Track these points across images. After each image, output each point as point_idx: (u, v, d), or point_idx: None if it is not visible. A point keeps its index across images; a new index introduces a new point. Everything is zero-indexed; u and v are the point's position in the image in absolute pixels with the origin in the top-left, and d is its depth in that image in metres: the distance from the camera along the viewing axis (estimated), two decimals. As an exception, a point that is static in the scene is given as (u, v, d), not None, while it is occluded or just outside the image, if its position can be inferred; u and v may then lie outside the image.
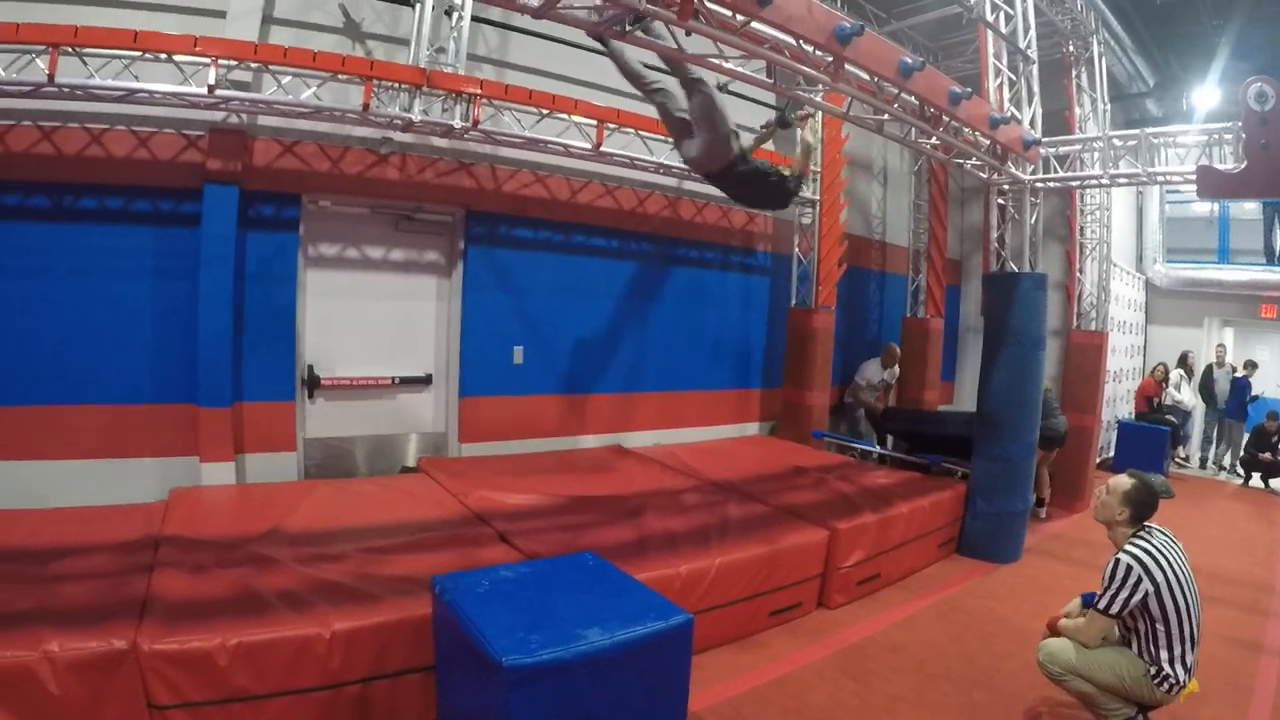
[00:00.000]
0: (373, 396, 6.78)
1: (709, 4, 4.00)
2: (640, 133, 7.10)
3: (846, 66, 4.69)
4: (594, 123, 6.72)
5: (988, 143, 6.34)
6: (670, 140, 6.29)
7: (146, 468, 5.67)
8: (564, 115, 6.65)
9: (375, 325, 6.78)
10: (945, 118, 5.58)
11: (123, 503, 4.96)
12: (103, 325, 5.60)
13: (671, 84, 4.48)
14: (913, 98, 5.30)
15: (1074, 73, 8.82)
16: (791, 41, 4.37)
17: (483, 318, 7.08)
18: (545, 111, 6.57)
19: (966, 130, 6.02)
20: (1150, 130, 6.89)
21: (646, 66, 4.55)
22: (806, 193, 8.52)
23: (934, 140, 5.98)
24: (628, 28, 4.16)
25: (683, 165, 7.03)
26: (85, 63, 5.15)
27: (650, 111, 5.75)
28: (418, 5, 6.24)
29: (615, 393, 7.97)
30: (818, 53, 4.57)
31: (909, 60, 4.85)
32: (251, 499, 5.28)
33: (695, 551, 4.61)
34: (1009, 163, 6.67)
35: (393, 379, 6.81)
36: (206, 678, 3.08)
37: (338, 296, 6.57)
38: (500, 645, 2.73)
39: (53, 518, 4.50)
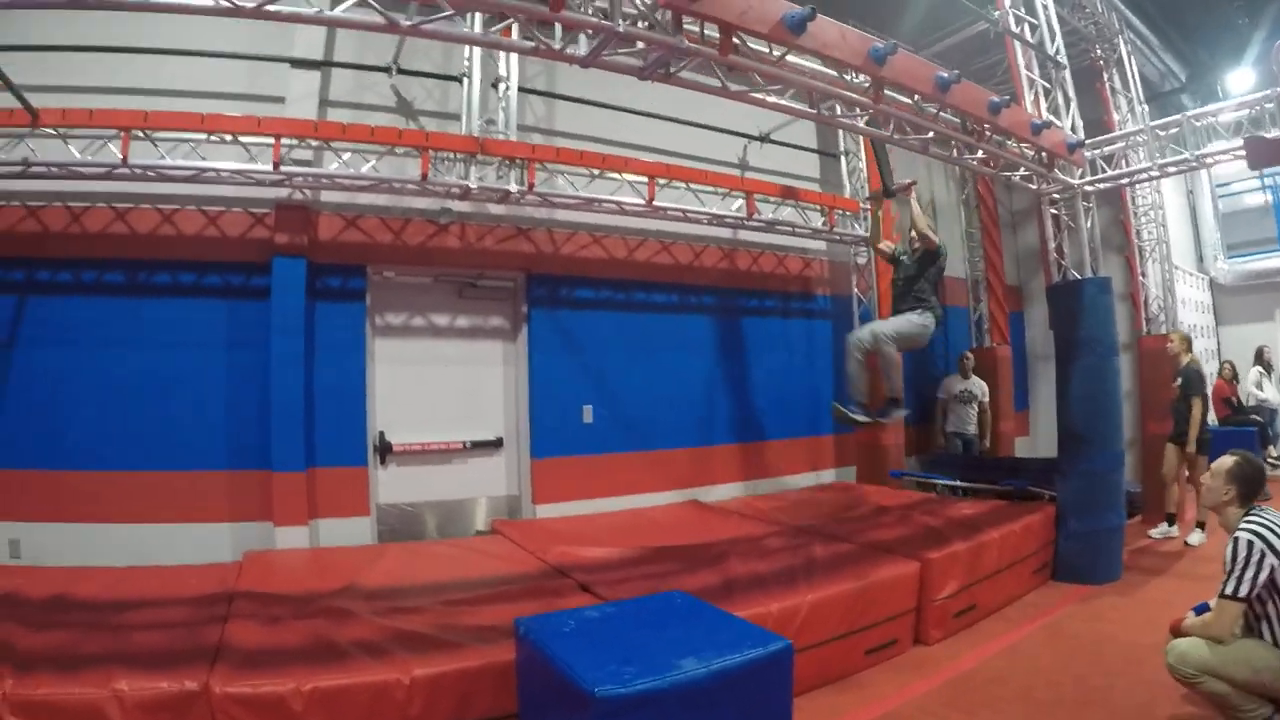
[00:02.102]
0: (444, 461, 6.68)
1: (747, 39, 4.02)
2: (691, 185, 7.08)
3: (885, 90, 4.69)
4: (645, 179, 6.70)
5: (1032, 152, 6.17)
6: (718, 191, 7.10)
7: (222, 533, 5.65)
8: (615, 174, 6.67)
9: (444, 391, 6.72)
10: (987, 130, 5.45)
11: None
12: (178, 394, 5.70)
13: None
14: (952, 114, 5.22)
15: (1105, 76, 8.64)
16: (830, 72, 4.39)
17: (550, 378, 7.00)
18: (596, 172, 6.61)
19: (1010, 143, 5.88)
20: (1190, 113, 6.63)
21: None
22: (860, 230, 8.43)
23: (979, 154, 5.82)
24: (671, 70, 4.23)
25: (735, 215, 7.20)
26: (156, 145, 5.35)
27: (702, 152, 5.88)
28: (465, 80, 6.41)
29: (686, 447, 7.76)
30: (857, 79, 4.57)
31: (945, 75, 4.77)
32: (325, 559, 5.22)
33: (784, 591, 4.32)
34: (1055, 169, 6.45)
35: (464, 443, 6.71)
36: None
37: (406, 364, 6.56)
38: (591, 677, 2.53)
39: (129, 574, 4.51)
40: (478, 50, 6.41)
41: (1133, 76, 8.63)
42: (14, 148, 5.20)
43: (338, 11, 3.75)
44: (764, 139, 8.16)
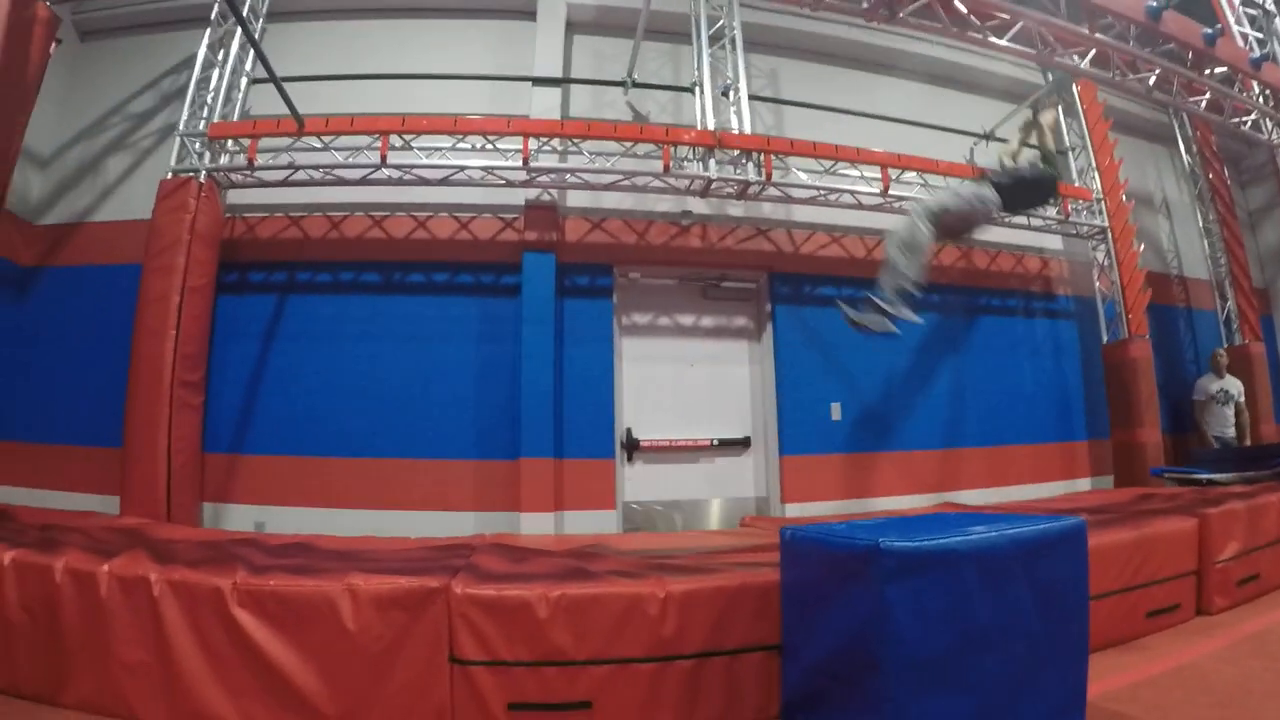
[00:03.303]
0: (691, 460, 6.62)
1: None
2: (923, 174, 6.88)
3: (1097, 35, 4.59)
4: (878, 168, 6.59)
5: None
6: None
7: (467, 520, 5.79)
8: (849, 166, 6.60)
9: (691, 389, 6.71)
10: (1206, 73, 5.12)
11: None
12: (429, 385, 6.02)
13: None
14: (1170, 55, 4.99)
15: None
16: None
17: (797, 376, 6.85)
18: (830, 164, 6.56)
19: (1234, 92, 5.45)
20: None
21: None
22: (1097, 221, 7.92)
23: (1204, 98, 5.45)
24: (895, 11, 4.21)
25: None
26: (412, 148, 5.81)
27: (931, 153, 6.29)
28: (697, 89, 6.54)
29: (935, 449, 7.39)
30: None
31: (1154, 2, 4.61)
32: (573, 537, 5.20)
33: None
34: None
35: (711, 441, 6.63)
36: (521, 631, 2.76)
37: (653, 362, 6.61)
38: (873, 540, 2.29)
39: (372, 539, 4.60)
40: (706, 61, 6.55)
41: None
42: (280, 156, 5.82)
43: None
44: (989, 136, 7.86)
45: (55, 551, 3.12)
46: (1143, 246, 8.10)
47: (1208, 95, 5.46)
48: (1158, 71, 5.17)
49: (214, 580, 2.84)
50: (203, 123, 5.98)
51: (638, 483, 6.45)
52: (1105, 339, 8.13)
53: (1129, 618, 4.07)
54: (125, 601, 2.87)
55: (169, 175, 5.77)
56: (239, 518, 5.79)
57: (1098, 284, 8.24)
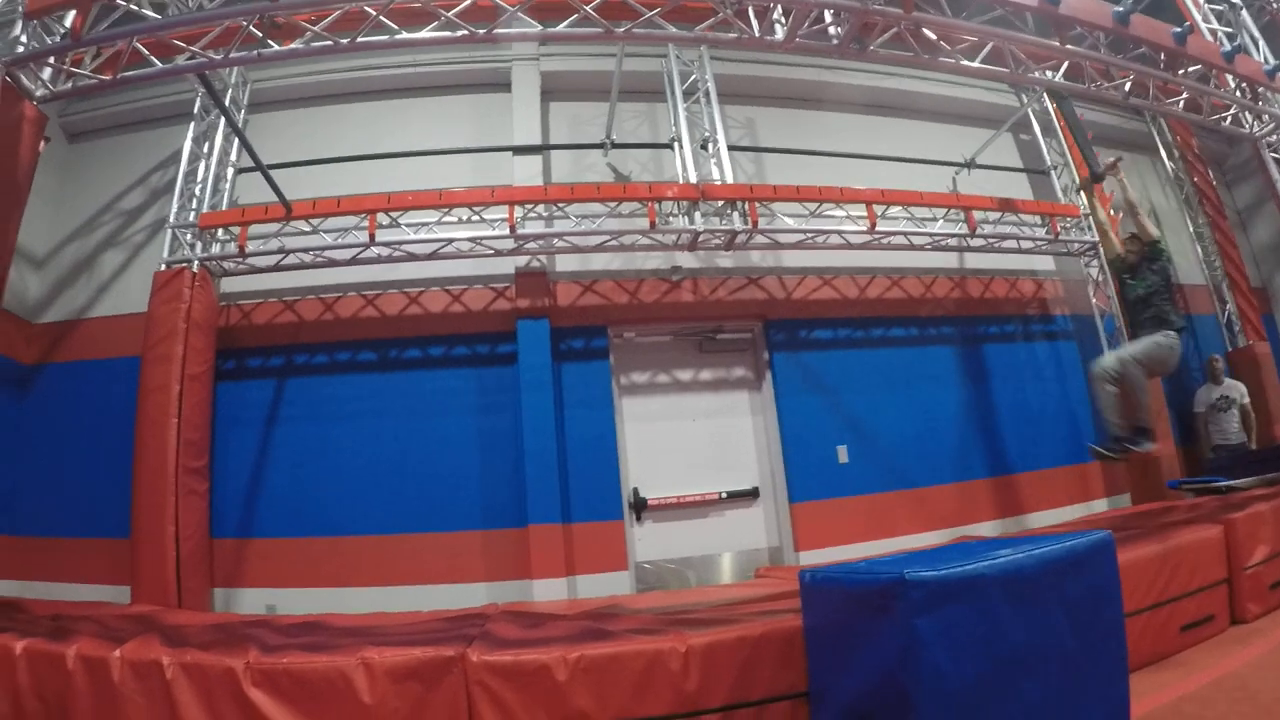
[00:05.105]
0: (700, 515, 6.51)
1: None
2: (909, 208, 6.88)
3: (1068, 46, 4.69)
4: (863, 205, 6.57)
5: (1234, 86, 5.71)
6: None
7: (478, 592, 5.70)
8: (834, 206, 6.59)
9: (694, 444, 6.63)
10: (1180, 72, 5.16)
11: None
12: (431, 459, 5.98)
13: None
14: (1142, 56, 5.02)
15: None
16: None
17: (800, 421, 6.76)
18: (815, 207, 6.56)
19: (1210, 89, 5.48)
20: None
21: None
22: (1088, 237, 7.83)
23: (1181, 98, 5.49)
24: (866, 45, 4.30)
25: (957, 234, 7.04)
26: (399, 225, 5.89)
27: (913, 186, 6.70)
28: (676, 144, 6.58)
29: (946, 483, 7.23)
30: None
31: (1120, 8, 4.61)
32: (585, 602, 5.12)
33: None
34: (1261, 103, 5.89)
35: (719, 494, 6.53)
36: (540, 696, 2.71)
37: (654, 420, 6.56)
38: (897, 571, 2.24)
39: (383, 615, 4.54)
40: (683, 116, 6.57)
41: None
42: (270, 242, 5.89)
43: (560, 28, 4.17)
44: (970, 164, 7.84)
45: (67, 639, 3.11)
46: (1135, 258, 8.00)
47: (1184, 96, 5.44)
48: (1132, 77, 5.16)
49: (227, 661, 2.81)
50: (192, 214, 6.06)
51: (648, 542, 6.34)
52: (1106, 355, 7.99)
53: (1162, 634, 3.97)
54: (138, 686, 2.84)
55: (163, 267, 5.82)
56: (250, 601, 5.70)
57: (1094, 300, 8.14)
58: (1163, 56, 5.14)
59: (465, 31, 4.08)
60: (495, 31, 4.14)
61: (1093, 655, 2.42)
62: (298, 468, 6.00)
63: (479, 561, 5.87)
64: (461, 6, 4.10)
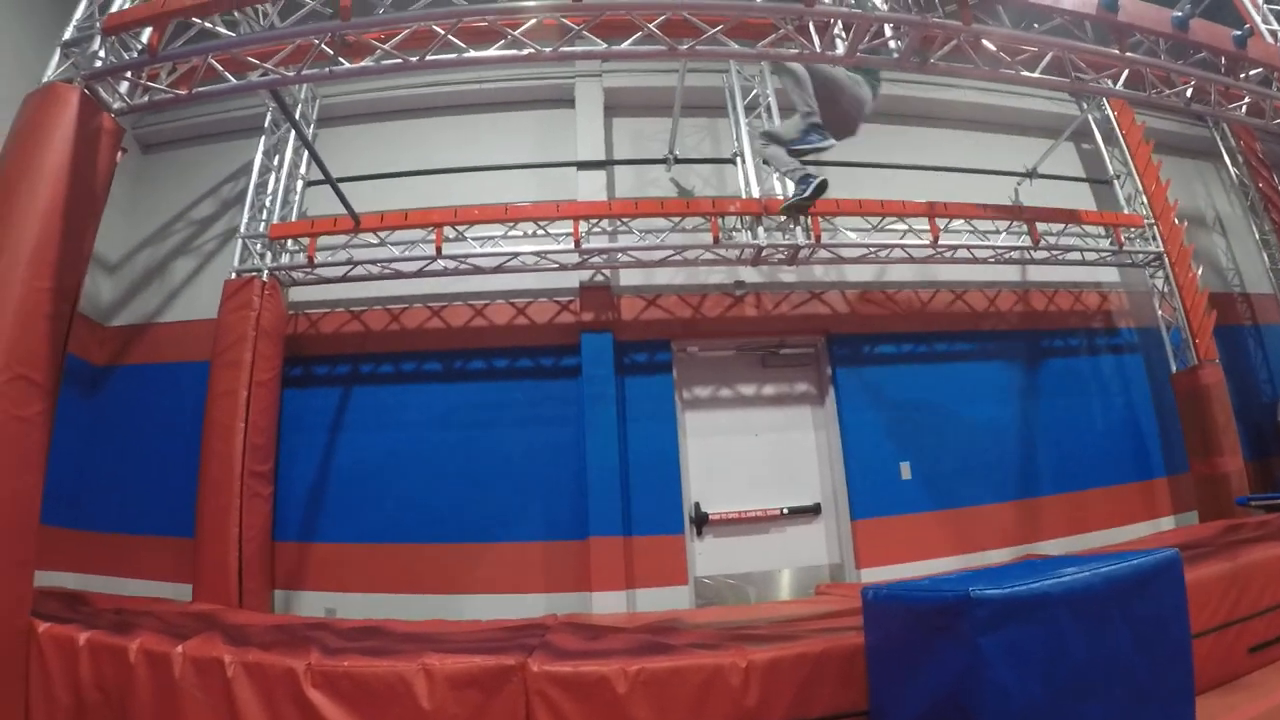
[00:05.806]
0: (761, 530, 6.44)
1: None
2: (970, 220, 6.78)
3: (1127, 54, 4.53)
4: (925, 218, 6.51)
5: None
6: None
7: (538, 603, 5.69)
8: (895, 220, 6.54)
9: (756, 459, 6.57)
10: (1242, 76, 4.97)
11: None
12: (495, 469, 6.00)
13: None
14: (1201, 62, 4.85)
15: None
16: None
17: (863, 438, 6.67)
18: (878, 220, 6.50)
19: (1273, 92, 5.21)
20: None
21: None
22: (1151, 246, 7.66)
23: (1244, 103, 5.25)
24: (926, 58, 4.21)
25: (1019, 246, 6.88)
26: (465, 238, 5.93)
27: (974, 198, 6.42)
28: (738, 158, 6.54)
29: (1010, 500, 7.07)
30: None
31: (1179, 13, 4.46)
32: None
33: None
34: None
35: (781, 510, 6.46)
36: (600, 708, 2.70)
37: (717, 435, 6.51)
38: (962, 588, 2.20)
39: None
40: (745, 130, 6.54)
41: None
42: (338, 253, 6.00)
43: (625, 45, 4.17)
44: (1032, 174, 7.70)
45: (130, 633, 3.14)
46: (1201, 268, 7.76)
47: (1246, 100, 5.26)
48: (1193, 83, 5.01)
49: (288, 662, 2.83)
50: (263, 224, 6.16)
51: (709, 556, 6.29)
52: (1174, 368, 7.74)
53: (1229, 655, 3.83)
54: (199, 682, 2.87)
55: (233, 275, 5.93)
56: (310, 604, 5.78)
57: (1160, 311, 7.90)
58: (1223, 61, 4.97)
59: (531, 50, 4.07)
60: (561, 50, 4.11)
61: (1158, 676, 2.37)
62: (360, 475, 6.07)
63: (539, 572, 5.88)
64: (527, 25, 4.09)
